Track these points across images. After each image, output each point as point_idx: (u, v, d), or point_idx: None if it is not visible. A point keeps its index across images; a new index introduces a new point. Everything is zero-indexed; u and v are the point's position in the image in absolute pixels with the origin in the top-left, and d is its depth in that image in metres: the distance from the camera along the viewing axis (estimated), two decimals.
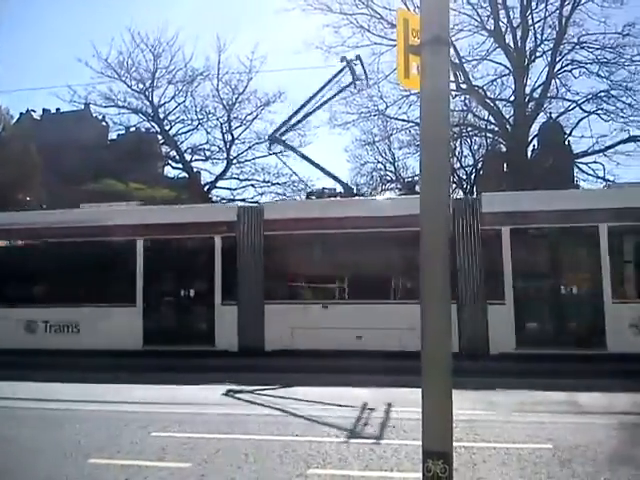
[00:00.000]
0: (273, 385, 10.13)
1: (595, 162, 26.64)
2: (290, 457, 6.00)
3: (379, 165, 32.13)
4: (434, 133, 3.26)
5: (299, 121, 17.00)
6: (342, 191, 15.35)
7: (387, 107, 26.82)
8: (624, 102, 25.08)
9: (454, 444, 6.06)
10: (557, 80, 25.92)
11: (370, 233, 12.69)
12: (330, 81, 14.99)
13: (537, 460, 5.72)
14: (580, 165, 27.89)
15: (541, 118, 27.84)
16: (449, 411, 3.14)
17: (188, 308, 14.12)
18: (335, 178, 15.91)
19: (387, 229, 12.46)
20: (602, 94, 25.56)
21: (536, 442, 6.32)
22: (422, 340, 3.19)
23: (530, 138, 27.12)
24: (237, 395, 9.54)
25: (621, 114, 25.18)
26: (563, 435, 6.54)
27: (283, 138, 16.59)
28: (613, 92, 25.26)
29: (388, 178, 32.05)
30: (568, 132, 28.19)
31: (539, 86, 25.85)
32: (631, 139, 25.31)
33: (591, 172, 26.83)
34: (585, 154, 27.18)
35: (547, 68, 25.40)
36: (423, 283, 3.15)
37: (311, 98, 15.22)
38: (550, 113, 27.64)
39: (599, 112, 25.82)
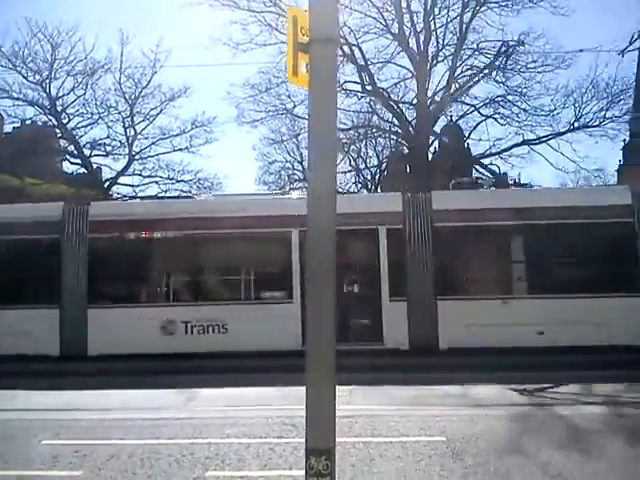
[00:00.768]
0: None
1: (492, 164, 27.97)
2: (188, 460, 5.87)
3: (287, 164, 32.24)
4: (322, 132, 3.26)
5: None
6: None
7: (295, 106, 26.91)
8: (519, 107, 26.59)
9: (353, 439, 6.29)
10: (457, 84, 27.00)
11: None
12: None
13: (432, 453, 5.90)
14: (478, 167, 29.26)
15: (443, 121, 28.97)
16: (332, 408, 3.12)
17: (352, 304, 12.84)
18: None
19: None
20: (499, 99, 26.93)
21: (431, 435, 6.52)
22: (306, 336, 3.17)
23: (431, 140, 28.10)
24: None
25: (516, 119, 26.68)
26: (457, 427, 6.78)
27: None
28: (509, 97, 26.70)
29: (296, 177, 32.23)
30: (467, 135, 29.56)
31: (440, 90, 26.83)
32: (525, 142, 26.84)
33: (488, 174, 28.14)
34: (482, 156, 28.49)
35: (448, 72, 26.40)
36: (308, 279, 3.12)
37: None
38: (451, 116, 28.81)
39: (496, 116, 27.25)
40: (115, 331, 12.03)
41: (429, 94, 26.70)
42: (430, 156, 28.80)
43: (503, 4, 25.20)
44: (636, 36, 14.18)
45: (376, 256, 12.49)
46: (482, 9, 25.51)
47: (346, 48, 25.90)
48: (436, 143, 29.87)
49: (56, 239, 12.80)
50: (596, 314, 11.28)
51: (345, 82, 26.55)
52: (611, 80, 25.79)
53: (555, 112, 26.34)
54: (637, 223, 11.80)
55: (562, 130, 26.53)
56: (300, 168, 32.40)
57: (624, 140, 46.38)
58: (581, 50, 23.54)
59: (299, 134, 29.04)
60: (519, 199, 12.98)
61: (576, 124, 26.34)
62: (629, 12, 51.22)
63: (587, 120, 26.30)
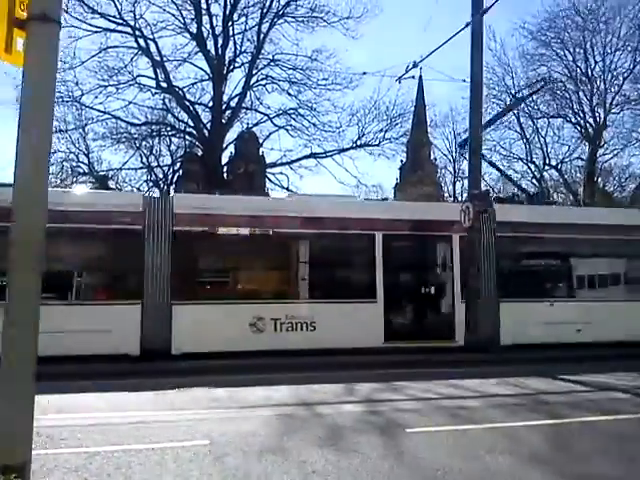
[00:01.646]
0: None
1: (282, 173, 29.03)
2: None
3: (71, 155, 30.02)
4: (36, 117, 3.04)
5: None
6: None
7: (83, 94, 25.23)
8: (309, 121, 27.92)
9: (113, 448, 6.03)
10: (252, 92, 27.55)
11: None
12: None
13: (193, 457, 5.85)
14: (269, 175, 30.18)
15: (238, 127, 29.34)
16: (29, 419, 2.89)
17: (428, 304, 13.99)
18: None
19: None
20: (291, 111, 28.01)
21: (194, 439, 6.47)
22: (2, 342, 2.91)
23: (226, 144, 28.31)
24: None
25: (306, 132, 27.98)
26: (223, 430, 6.82)
27: None
28: (301, 110, 27.88)
29: (81, 170, 30.15)
30: (261, 143, 30.32)
31: (236, 96, 27.13)
32: (312, 155, 28.23)
33: (277, 182, 29.18)
34: (274, 165, 29.41)
35: (244, 79, 26.81)
36: (11, 279, 2.87)
37: None
38: (248, 123, 29.29)
39: (287, 127, 28.29)
40: (201, 329, 11.82)
41: (225, 98, 26.88)
42: (224, 160, 28.99)
43: (300, 20, 26.39)
44: (411, 65, 15.56)
45: (450, 261, 13.99)
46: (279, 21, 26.41)
47: (141, 41, 25.01)
48: (232, 147, 30.17)
49: (138, 230, 12.08)
50: None
51: (138, 76, 25.68)
52: (391, 104, 28.37)
53: (341, 129, 28.23)
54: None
55: (346, 147, 28.44)
56: (86, 161, 30.41)
57: (401, 160, 51.25)
58: (364, 73, 25.35)
59: (86, 125, 27.28)
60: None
61: (359, 142, 28.43)
62: (417, 42, 56.48)
63: (368, 139, 28.53)
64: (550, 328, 13.42)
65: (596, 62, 31.93)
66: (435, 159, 46.95)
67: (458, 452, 6.16)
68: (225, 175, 29.51)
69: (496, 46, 31.43)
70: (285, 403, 8.43)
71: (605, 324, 13.58)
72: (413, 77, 17.01)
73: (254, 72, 26.92)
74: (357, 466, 5.65)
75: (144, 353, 11.64)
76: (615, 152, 33.06)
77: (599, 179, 33.29)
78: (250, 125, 29.27)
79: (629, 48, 31.25)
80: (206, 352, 11.58)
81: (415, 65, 15.62)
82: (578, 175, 33.81)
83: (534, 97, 31.15)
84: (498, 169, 24.94)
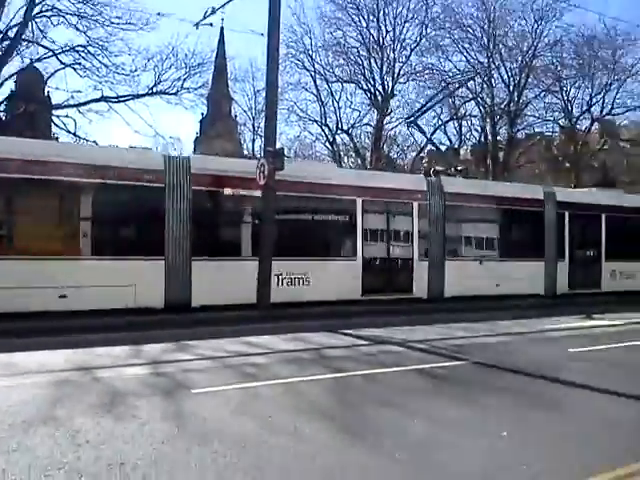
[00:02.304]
0: None
1: (68, 116, 26.63)
2: None
3: None
4: None
5: None
6: None
7: None
8: (100, 61, 25.77)
9: None
10: (35, 23, 24.65)
11: None
12: None
13: None
14: (55, 117, 27.52)
15: (18, 61, 26.10)
16: None
17: (394, 263, 16.15)
18: None
19: None
20: (79, 48, 25.60)
21: None
22: None
23: (2, 80, 25.11)
24: None
25: (96, 72, 25.83)
26: None
27: None
28: (90, 49, 25.59)
29: None
30: (45, 81, 27.37)
31: (15, 25, 24.04)
32: (104, 99, 26.22)
33: (63, 126, 26.77)
34: (60, 107, 26.86)
35: (25, 8, 23.79)
36: None
37: None
38: (30, 59, 26.15)
39: (76, 66, 25.84)
40: (217, 283, 12.93)
41: (1, 27, 23.74)
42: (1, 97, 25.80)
43: None
44: (210, 12, 14.92)
45: (411, 225, 16.47)
46: None
47: None
48: (11, 84, 26.90)
49: (160, 189, 12.92)
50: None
51: None
52: (190, 52, 27.35)
53: (135, 73, 26.59)
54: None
55: (141, 92, 26.92)
56: None
57: (202, 113, 50.10)
58: (159, 14, 24.06)
59: None
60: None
61: (155, 89, 27.07)
62: None
63: (165, 87, 27.31)
64: (479, 282, 16.37)
65: (387, 31, 33.78)
66: (236, 115, 46.69)
67: (242, 410, 6.22)
68: (2, 115, 26.32)
69: (296, 6, 31.82)
70: (63, 369, 7.83)
71: (519, 280, 17.18)
72: (212, 25, 16.59)
73: (37, 0, 24.03)
74: (133, 432, 5.41)
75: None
76: (400, 121, 35.60)
77: (384, 145, 35.66)
78: (32, 60, 26.23)
79: (417, 21, 33.56)
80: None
81: (214, 11, 15.13)
82: (367, 141, 35.87)
83: (330, 60, 32.33)
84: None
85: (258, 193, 13.69)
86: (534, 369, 8.35)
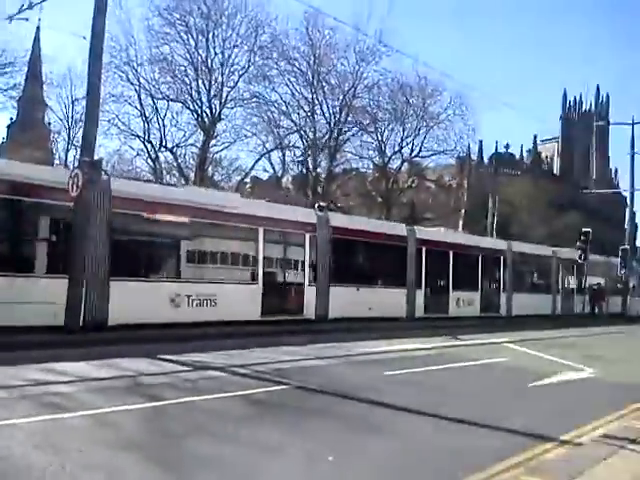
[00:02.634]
0: None
1: None
2: None
3: None
4: None
5: None
6: None
7: None
8: None
9: None
10: None
11: None
12: None
13: None
14: None
15: None
16: None
17: (288, 287, 17.82)
18: None
19: None
20: None
21: None
22: None
23: None
24: None
25: None
26: None
27: None
28: None
29: None
30: None
31: None
32: None
33: None
34: None
35: None
36: None
37: None
38: None
39: None
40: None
41: None
42: None
43: None
44: (26, 5, 13.50)
45: (303, 253, 18.19)
46: None
47: None
48: None
49: None
50: None
51: None
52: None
53: None
54: None
55: None
56: None
57: (11, 118, 45.85)
58: None
59: None
60: None
61: None
62: None
63: None
64: (356, 306, 18.47)
65: (216, 54, 33.63)
66: (49, 123, 43.29)
67: (48, 444, 5.40)
68: None
69: (121, 14, 30.50)
70: None
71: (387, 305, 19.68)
72: (27, 19, 15.05)
73: None
74: None
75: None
76: (226, 145, 35.51)
77: (209, 167, 35.28)
78: None
79: (246, 47, 33.85)
80: None
81: (31, 6, 13.72)
82: (191, 161, 35.23)
83: (156, 76, 31.37)
84: None
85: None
86: (353, 392, 8.44)
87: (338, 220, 19.75)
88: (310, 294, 17.80)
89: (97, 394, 7.59)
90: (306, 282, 17.91)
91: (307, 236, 17.94)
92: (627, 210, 33.71)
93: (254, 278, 16.52)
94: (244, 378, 9.17)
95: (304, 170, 39.31)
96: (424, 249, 21.69)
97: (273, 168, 39.00)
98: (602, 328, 23.00)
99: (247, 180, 40.11)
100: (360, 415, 7.35)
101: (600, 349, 15.81)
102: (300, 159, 38.75)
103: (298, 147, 38.75)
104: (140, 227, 14.31)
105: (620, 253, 30.11)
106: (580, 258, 27.73)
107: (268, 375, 9.45)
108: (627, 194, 41.64)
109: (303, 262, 18.03)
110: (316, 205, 20.09)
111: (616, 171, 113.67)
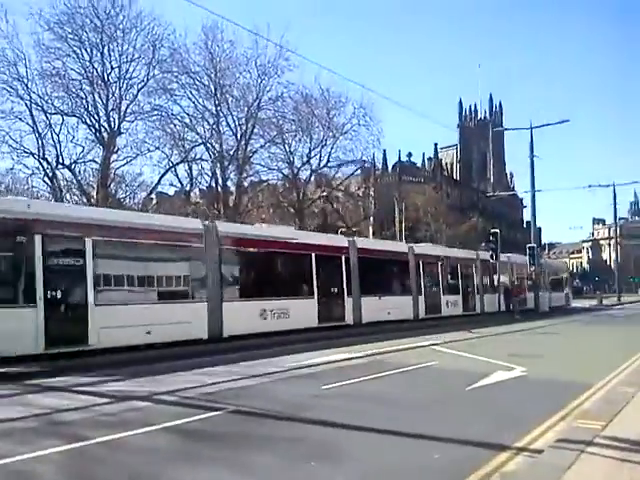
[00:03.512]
0: None
1: None
2: None
3: None
4: None
5: None
6: None
7: None
8: None
9: None
10: None
11: None
12: None
13: None
14: None
15: None
16: None
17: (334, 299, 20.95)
18: None
19: None
20: None
21: None
22: None
23: None
24: None
25: None
26: None
27: None
28: None
29: None
30: None
31: None
32: None
33: None
34: None
35: None
36: None
37: None
38: None
39: None
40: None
41: None
42: None
43: None
44: None
45: None
46: None
47: None
48: None
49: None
50: None
51: None
52: None
53: None
54: None
55: None
56: None
57: None
58: None
59: None
60: None
61: None
62: None
63: None
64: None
65: (112, 68, 32.24)
66: None
67: None
68: None
69: (8, 27, 28.47)
70: None
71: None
72: None
73: None
74: None
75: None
76: (128, 159, 33.95)
77: (112, 184, 33.58)
78: None
79: (144, 61, 32.61)
80: None
81: None
82: (92, 178, 33.40)
83: (48, 91, 29.60)
84: None
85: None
86: (293, 411, 7.92)
87: (361, 243, 23.17)
88: (348, 304, 20.86)
89: (4, 439, 6.58)
90: (345, 294, 20.83)
91: (343, 257, 21.09)
92: (531, 210, 34.97)
93: (311, 293, 19.38)
94: (173, 406, 8.39)
95: (213, 183, 38.31)
96: (420, 262, 25.39)
97: (180, 182, 37.72)
98: (519, 325, 23.66)
99: (153, 196, 38.54)
100: (305, 439, 6.75)
101: (523, 346, 16.13)
102: (209, 172, 37.83)
103: (205, 160, 37.75)
104: (240, 259, 17.99)
105: (528, 251, 31.20)
106: (492, 258, 28.55)
107: (198, 401, 8.64)
108: (525, 195, 43.74)
109: (341, 278, 20.81)
110: (339, 231, 23.33)
111: (511, 175, 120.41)
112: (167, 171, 35.84)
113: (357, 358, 13.52)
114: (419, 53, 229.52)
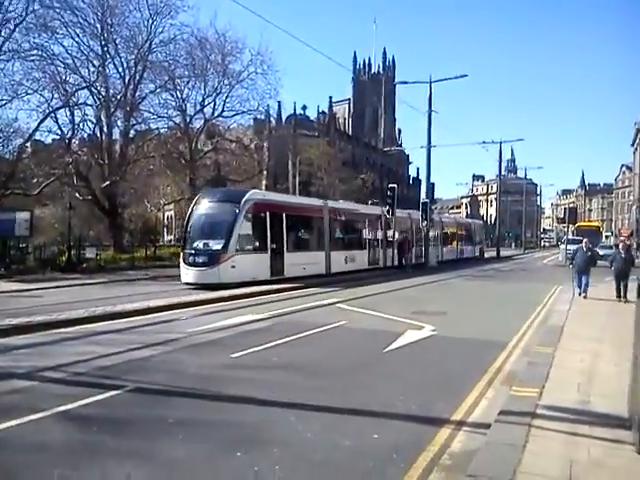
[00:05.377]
0: None
1: None
2: None
3: None
4: None
5: None
6: None
7: None
8: None
9: None
10: None
11: None
12: None
13: None
14: None
15: None
16: None
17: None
18: None
19: None
20: None
21: None
22: None
23: None
24: None
25: None
26: None
27: None
28: None
29: None
30: None
31: None
32: None
33: None
34: None
35: None
36: None
37: None
38: None
39: None
40: None
41: None
42: None
43: None
44: None
45: None
46: None
47: None
48: None
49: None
50: None
51: None
52: None
53: None
54: None
55: None
56: None
57: None
58: None
59: None
60: None
61: None
62: None
63: None
64: None
65: None
66: None
67: None
68: None
69: None
70: None
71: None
72: None
73: None
74: None
75: None
76: (3, 103, 30.64)
77: None
78: None
79: None
80: None
81: None
82: None
83: None
84: None
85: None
86: (204, 386, 7.11)
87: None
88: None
89: None
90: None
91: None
92: (426, 165, 35.35)
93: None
94: (62, 385, 7.25)
95: (97, 131, 35.45)
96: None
97: (61, 129, 34.37)
98: (413, 279, 23.90)
99: (28, 145, 35.00)
100: (224, 423, 5.96)
101: (424, 303, 16.04)
102: (93, 118, 34.91)
103: (90, 105, 34.76)
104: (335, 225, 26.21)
105: (421, 207, 31.54)
106: (388, 213, 28.60)
107: (93, 377, 7.54)
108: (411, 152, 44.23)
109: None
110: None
111: (399, 131, 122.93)
112: (46, 117, 32.49)
113: (262, 320, 12.75)
114: (318, 7, 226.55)
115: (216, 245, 19.27)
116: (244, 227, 19.70)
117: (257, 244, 20.32)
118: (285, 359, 8.88)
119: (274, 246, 20.78)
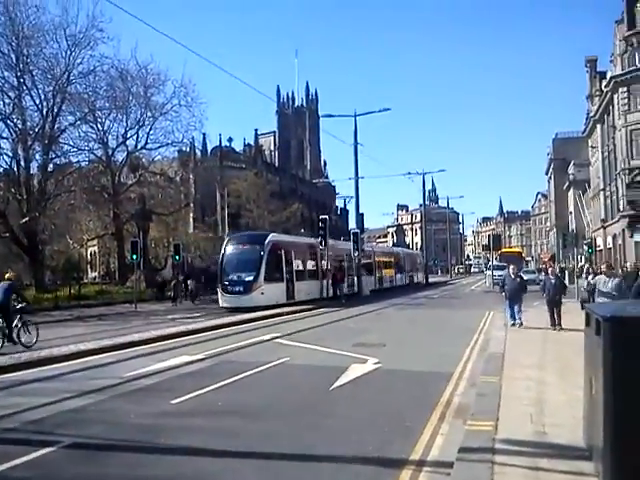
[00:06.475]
0: None
1: None
2: None
3: None
4: None
5: None
6: None
7: None
8: None
9: None
10: None
11: None
12: None
13: None
14: None
15: None
16: None
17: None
18: None
19: None
20: None
21: None
22: None
23: None
24: None
25: None
26: None
27: None
28: None
29: None
30: None
31: None
32: None
33: None
34: None
35: None
36: None
37: None
38: None
39: None
40: None
41: None
42: None
43: None
44: None
45: None
46: None
47: None
48: None
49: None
50: None
51: None
52: None
53: None
54: None
55: None
56: None
57: None
58: None
59: None
60: None
61: None
62: None
63: None
64: None
65: None
66: None
67: None
68: None
69: None
70: None
71: None
72: None
73: None
74: None
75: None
76: None
77: None
78: None
79: None
80: None
81: None
82: None
83: None
84: None
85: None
86: (147, 438, 6.63)
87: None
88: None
89: None
90: None
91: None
92: (355, 195, 35.93)
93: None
94: None
95: (14, 165, 33.90)
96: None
97: None
98: (349, 310, 23.90)
99: None
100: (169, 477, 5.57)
101: (363, 334, 15.96)
102: (9, 152, 33.41)
103: (5, 138, 33.34)
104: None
105: (352, 237, 31.74)
106: (321, 244, 28.64)
107: (23, 433, 6.89)
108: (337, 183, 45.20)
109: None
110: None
111: (325, 163, 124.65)
112: None
113: (200, 361, 12.21)
114: (241, 36, 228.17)
115: (248, 277, 24.65)
116: (268, 262, 24.92)
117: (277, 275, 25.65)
118: (229, 403, 8.46)
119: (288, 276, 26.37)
